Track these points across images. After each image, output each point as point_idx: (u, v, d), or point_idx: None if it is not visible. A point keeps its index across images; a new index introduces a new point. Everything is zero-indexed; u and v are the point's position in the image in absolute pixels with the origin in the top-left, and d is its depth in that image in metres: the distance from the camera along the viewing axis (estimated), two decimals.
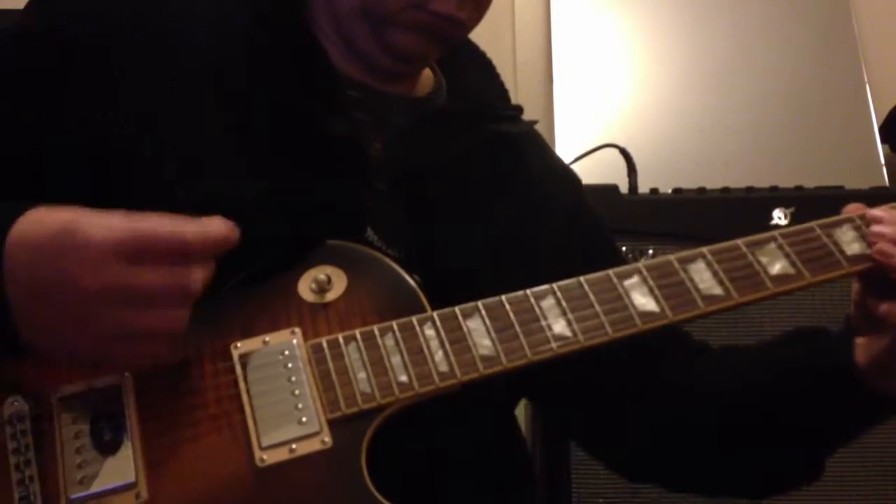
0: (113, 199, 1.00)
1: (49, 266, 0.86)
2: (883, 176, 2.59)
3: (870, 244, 1.02)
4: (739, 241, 1.03)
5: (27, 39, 1.10)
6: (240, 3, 1.16)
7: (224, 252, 0.90)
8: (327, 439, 0.93)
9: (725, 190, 2.05)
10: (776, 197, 1.98)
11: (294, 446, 0.92)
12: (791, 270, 1.01)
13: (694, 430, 1.19)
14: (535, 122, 1.36)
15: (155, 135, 1.04)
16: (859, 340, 1.06)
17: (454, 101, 1.28)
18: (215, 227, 0.89)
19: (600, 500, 1.89)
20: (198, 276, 0.89)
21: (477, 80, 1.32)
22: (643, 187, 2.13)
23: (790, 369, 1.13)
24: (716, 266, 1.01)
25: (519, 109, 1.32)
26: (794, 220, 1.91)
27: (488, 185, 1.22)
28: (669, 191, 2.07)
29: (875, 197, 1.65)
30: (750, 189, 2.04)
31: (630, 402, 1.22)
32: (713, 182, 2.09)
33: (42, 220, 0.88)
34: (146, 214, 0.87)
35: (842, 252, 1.02)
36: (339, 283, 1.01)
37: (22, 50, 1.09)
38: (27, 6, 1.15)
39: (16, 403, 0.93)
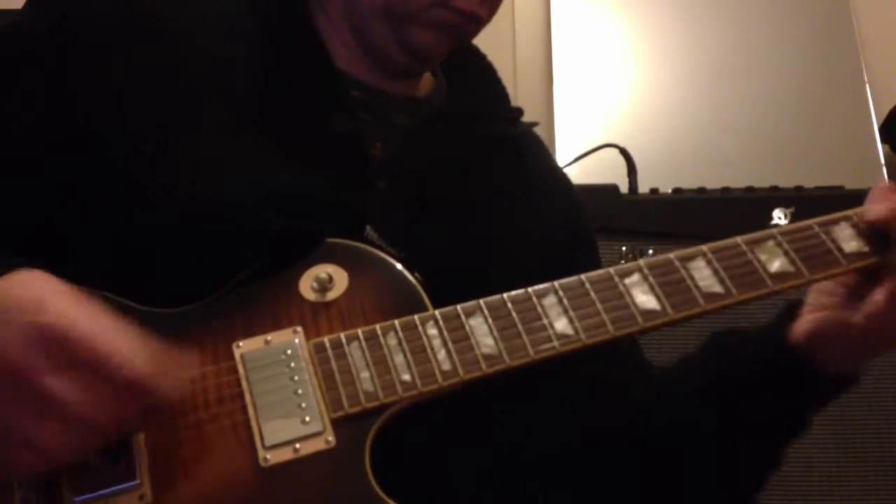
0: (114, 199, 1.01)
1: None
2: (883, 176, 2.59)
3: (868, 241, 1.02)
4: (739, 239, 1.03)
5: (29, 37, 1.10)
6: (243, 2, 1.16)
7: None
8: (331, 438, 0.92)
9: (725, 190, 2.06)
10: (776, 197, 1.98)
11: (298, 446, 0.92)
12: (790, 268, 1.01)
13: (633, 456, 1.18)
14: (535, 123, 1.36)
15: (156, 134, 1.04)
16: (808, 317, 1.04)
17: (455, 103, 1.28)
18: (164, 386, 0.84)
19: None
20: (109, 411, 0.82)
21: (477, 81, 1.33)
22: (643, 187, 2.13)
23: (722, 370, 1.12)
24: (716, 264, 1.01)
25: (519, 112, 1.32)
26: (794, 220, 1.90)
27: (488, 186, 1.22)
28: (669, 191, 2.08)
29: None
30: (750, 189, 2.04)
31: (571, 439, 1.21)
32: (713, 182, 2.10)
33: (28, 284, 0.86)
34: (116, 319, 0.84)
35: (840, 249, 1.02)
36: (340, 281, 1.01)
37: (24, 48, 1.09)
38: (27, 4, 1.15)
39: None
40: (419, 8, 1.13)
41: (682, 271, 1.01)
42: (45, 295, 0.84)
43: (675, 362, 1.22)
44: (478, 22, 1.17)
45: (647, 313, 0.99)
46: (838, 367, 1.04)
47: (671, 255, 1.02)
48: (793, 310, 1.06)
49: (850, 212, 1.05)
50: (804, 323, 1.04)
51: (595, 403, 1.21)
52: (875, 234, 1.02)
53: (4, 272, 0.88)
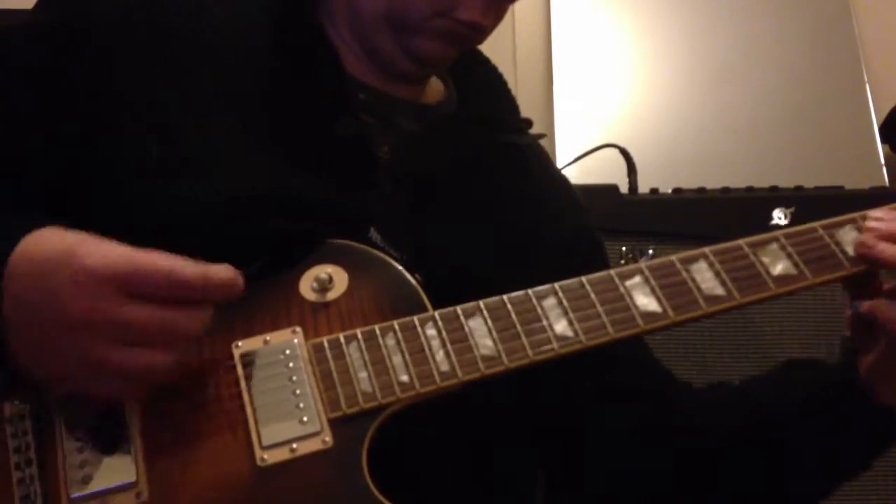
0: (119, 197, 1.01)
1: (42, 286, 0.86)
2: (883, 176, 2.59)
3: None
4: (741, 242, 1.03)
5: (37, 36, 1.10)
6: (250, 4, 1.16)
7: (225, 299, 0.90)
8: (328, 439, 0.92)
9: (725, 190, 2.05)
10: (776, 197, 1.98)
11: (295, 446, 0.92)
12: (793, 271, 1.01)
13: (687, 475, 1.17)
14: (543, 135, 1.37)
15: (161, 133, 1.04)
16: (861, 358, 1.05)
17: (464, 111, 1.28)
18: (219, 272, 0.88)
19: None
20: (191, 320, 0.88)
21: (487, 92, 1.33)
22: (643, 187, 2.13)
23: (793, 399, 1.12)
24: (718, 266, 1.01)
25: (527, 123, 1.32)
26: (794, 220, 1.91)
27: (493, 192, 1.22)
28: (669, 191, 2.07)
29: (875, 197, 1.65)
30: (750, 189, 2.04)
31: (608, 449, 1.21)
32: (713, 182, 2.09)
33: (46, 240, 0.89)
34: (149, 251, 0.87)
35: (843, 253, 1.02)
36: (340, 282, 1.01)
37: (32, 46, 1.09)
38: (36, 4, 1.15)
39: (17, 402, 0.93)
40: (420, 18, 1.13)
41: (684, 273, 1.00)
42: (72, 245, 0.86)
43: (741, 382, 1.22)
44: (482, 31, 1.17)
45: (648, 315, 0.98)
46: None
47: (673, 258, 1.02)
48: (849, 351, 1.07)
49: (855, 214, 1.04)
50: (864, 363, 1.04)
51: (619, 410, 1.20)
52: None
53: (25, 233, 0.90)
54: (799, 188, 2.03)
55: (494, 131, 1.26)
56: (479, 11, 1.14)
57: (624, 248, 1.96)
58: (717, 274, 1.00)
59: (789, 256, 1.01)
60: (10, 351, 0.88)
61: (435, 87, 1.29)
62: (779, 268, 1.01)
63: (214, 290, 0.88)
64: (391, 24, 1.15)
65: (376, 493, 0.91)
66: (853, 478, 1.13)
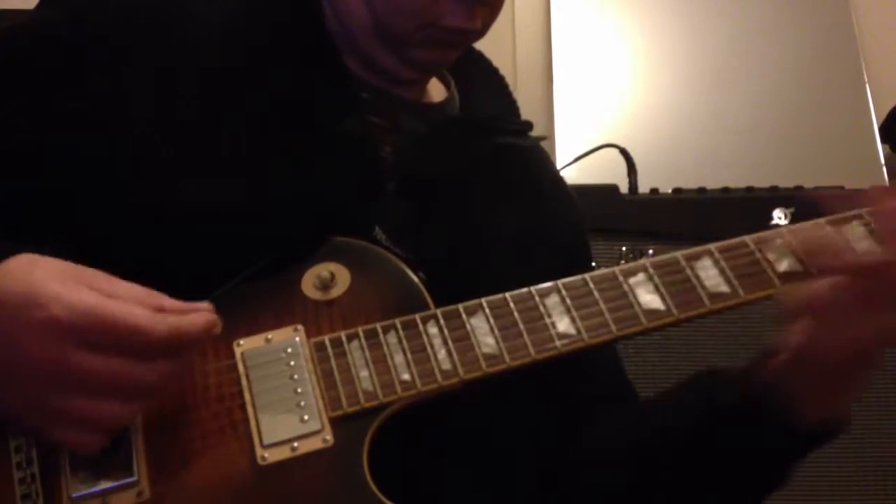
0: (123, 198, 1.01)
1: (3, 326, 0.84)
2: (883, 176, 2.59)
3: (879, 241, 1.01)
4: (747, 238, 1.02)
5: (43, 35, 1.09)
6: (255, 4, 1.16)
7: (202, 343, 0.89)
8: (329, 437, 0.92)
9: (725, 190, 2.06)
10: (776, 197, 1.98)
11: (296, 444, 0.92)
12: (799, 268, 1.00)
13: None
14: (544, 138, 1.37)
15: (166, 134, 1.04)
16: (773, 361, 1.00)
17: (466, 112, 1.28)
18: (192, 321, 0.86)
19: None
20: (152, 373, 0.85)
21: (489, 94, 1.33)
22: (643, 187, 2.13)
23: (700, 416, 1.06)
24: (722, 263, 1.00)
25: (528, 125, 1.33)
26: (794, 219, 1.91)
27: (495, 193, 1.22)
28: (669, 191, 2.07)
29: None
30: (750, 189, 2.04)
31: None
32: (713, 182, 2.09)
33: (11, 277, 0.86)
34: (122, 291, 0.85)
35: (851, 249, 1.01)
36: (342, 280, 1.00)
37: (38, 45, 1.09)
38: (41, 2, 1.15)
39: None
40: (408, 31, 1.13)
41: (688, 271, 1.00)
42: (36, 287, 0.84)
43: (656, 398, 1.20)
44: (474, 33, 1.17)
45: (652, 313, 0.98)
46: (814, 410, 0.98)
47: (677, 254, 1.01)
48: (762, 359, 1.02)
49: (861, 210, 1.04)
50: (772, 364, 0.99)
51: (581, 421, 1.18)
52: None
53: None
54: (799, 188, 2.03)
55: (497, 133, 1.26)
56: (464, 17, 1.13)
57: (624, 248, 1.96)
58: (722, 271, 1.00)
59: (794, 253, 1.01)
60: None
61: (436, 87, 1.29)
62: (784, 264, 1.00)
63: (182, 343, 0.86)
64: (381, 38, 1.15)
65: (377, 491, 0.90)
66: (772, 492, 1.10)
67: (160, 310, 0.86)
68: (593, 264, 1.42)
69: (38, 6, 1.15)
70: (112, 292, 0.85)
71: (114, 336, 0.83)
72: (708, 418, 1.04)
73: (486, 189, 1.21)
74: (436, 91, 1.28)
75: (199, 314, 0.87)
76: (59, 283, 0.84)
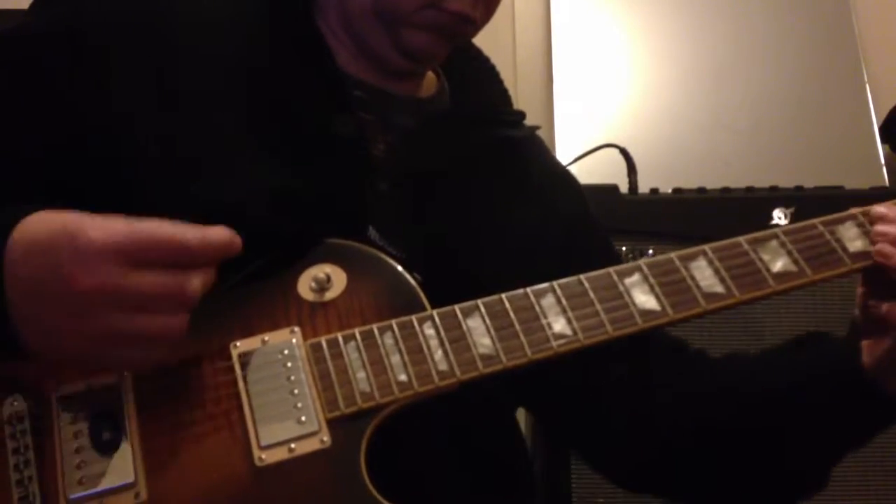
0: (118, 200, 1.00)
1: (46, 265, 0.85)
2: (883, 176, 2.59)
3: (872, 242, 1.02)
4: (741, 239, 1.03)
5: (35, 38, 1.09)
6: (248, 4, 1.16)
7: (225, 258, 0.90)
8: (326, 438, 0.92)
9: (725, 190, 2.05)
10: (776, 197, 1.98)
11: (293, 445, 0.92)
12: (793, 268, 1.00)
13: (701, 436, 1.18)
14: (538, 127, 1.36)
15: (160, 134, 1.04)
16: (865, 342, 1.05)
17: (458, 105, 1.28)
18: (217, 233, 0.88)
19: (600, 500, 1.89)
20: (196, 282, 0.88)
21: (480, 84, 1.33)
22: (643, 187, 2.13)
23: (797, 374, 1.12)
24: (717, 263, 1.00)
25: (521, 115, 1.32)
26: (794, 220, 1.90)
27: (490, 188, 1.22)
28: (669, 191, 2.07)
29: (875, 197, 1.64)
30: (750, 189, 2.04)
31: (629, 409, 1.21)
32: (713, 182, 2.09)
33: (44, 221, 0.88)
34: (148, 219, 0.87)
35: (844, 249, 1.02)
36: (338, 281, 1.01)
37: (29, 49, 1.09)
38: (32, 5, 1.14)
39: (15, 403, 0.93)
40: (409, 10, 1.13)
41: (683, 271, 1.00)
42: (72, 221, 0.86)
43: (751, 358, 1.24)
44: (472, 23, 1.17)
45: (647, 313, 0.98)
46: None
47: (672, 255, 1.02)
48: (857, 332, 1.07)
49: (855, 210, 1.04)
50: (869, 351, 1.05)
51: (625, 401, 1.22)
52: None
53: (20, 217, 0.89)
54: (799, 188, 2.03)
55: (490, 126, 1.26)
56: (468, 3, 1.13)
57: (624, 248, 1.96)
58: (717, 271, 1.00)
59: (789, 253, 1.01)
60: (21, 338, 0.88)
61: (428, 80, 1.28)
62: (779, 265, 1.01)
63: (214, 252, 0.89)
64: (380, 18, 1.15)
65: (374, 492, 0.91)
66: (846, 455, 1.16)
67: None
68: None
69: (33, 8, 1.15)
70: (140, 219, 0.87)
71: (155, 250, 0.85)
72: (821, 377, 1.10)
73: (480, 184, 1.21)
74: (427, 83, 1.28)
75: (219, 228, 0.89)
76: (91, 217, 0.86)
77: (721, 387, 1.19)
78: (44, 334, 0.88)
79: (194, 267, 0.88)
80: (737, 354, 1.27)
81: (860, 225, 1.03)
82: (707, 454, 1.18)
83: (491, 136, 1.25)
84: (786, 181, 2.06)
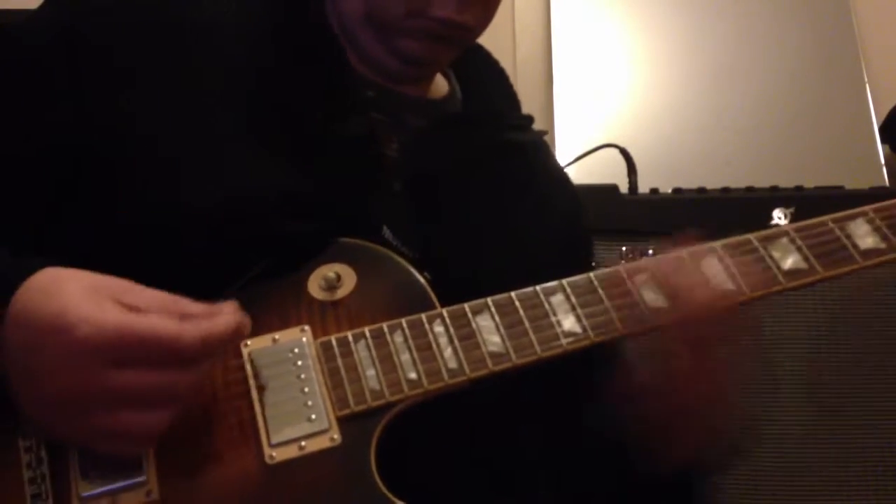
0: (126, 200, 1.01)
1: (36, 354, 0.84)
2: (883, 176, 2.59)
3: (883, 238, 1.02)
4: (751, 236, 1.03)
5: (40, 38, 1.09)
6: (255, 4, 1.16)
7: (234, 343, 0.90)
8: (336, 436, 0.93)
9: (725, 190, 2.06)
10: (776, 197, 1.99)
11: (303, 444, 0.92)
12: (804, 265, 1.01)
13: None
14: (545, 132, 1.37)
15: (168, 135, 1.04)
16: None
17: (468, 108, 1.28)
18: (223, 323, 0.86)
19: None
20: (187, 381, 0.86)
21: (490, 88, 1.33)
22: (643, 187, 2.13)
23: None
24: (728, 261, 1.01)
25: (530, 119, 1.33)
26: (794, 220, 1.90)
27: (499, 189, 1.23)
28: (669, 191, 2.08)
29: (875, 197, 1.65)
30: (750, 189, 2.05)
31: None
32: (713, 182, 2.10)
33: (44, 293, 0.86)
34: (148, 302, 0.86)
35: (855, 246, 1.02)
36: (348, 280, 1.01)
37: (35, 49, 1.08)
38: (42, 5, 1.14)
39: None
40: (396, 18, 1.13)
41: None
42: (64, 308, 0.83)
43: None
44: (462, 29, 1.16)
45: (657, 311, 0.98)
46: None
47: (683, 252, 1.02)
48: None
49: (866, 208, 1.04)
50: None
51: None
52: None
53: (19, 281, 0.88)
54: (799, 188, 2.03)
55: (499, 129, 1.26)
56: (452, 8, 1.12)
57: (624, 248, 1.96)
58: (727, 268, 1.00)
59: (799, 250, 1.01)
60: (18, 402, 0.87)
61: (439, 82, 1.29)
62: (789, 262, 1.01)
63: (215, 346, 0.87)
64: (372, 25, 1.15)
65: (384, 490, 0.91)
66: None
67: (187, 316, 0.86)
68: (594, 264, 1.43)
69: (39, 8, 1.14)
70: (139, 304, 0.85)
71: (145, 351, 0.83)
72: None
73: (489, 186, 1.21)
74: (438, 86, 1.28)
75: (227, 316, 0.87)
76: (87, 301, 0.84)
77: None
78: (38, 413, 0.87)
79: (188, 363, 0.86)
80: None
81: (870, 221, 1.03)
82: None
83: (500, 139, 1.25)
84: (786, 181, 2.07)
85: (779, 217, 1.93)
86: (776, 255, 1.01)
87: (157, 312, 0.85)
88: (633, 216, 2.01)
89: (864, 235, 1.02)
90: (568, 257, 1.23)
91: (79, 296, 0.84)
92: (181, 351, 0.84)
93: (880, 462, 1.93)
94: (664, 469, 1.02)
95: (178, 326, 0.84)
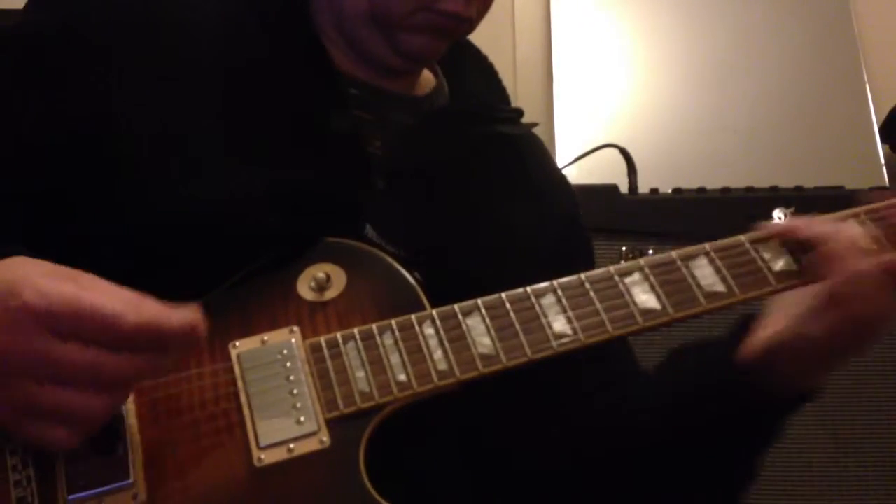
0: (116, 198, 1.00)
1: None
2: (883, 176, 2.59)
3: (874, 240, 1.01)
4: (742, 237, 1.02)
5: (32, 37, 1.09)
6: (243, 3, 1.16)
7: (184, 343, 0.86)
8: (325, 439, 0.92)
9: (725, 190, 2.06)
10: (776, 197, 1.98)
11: (292, 446, 0.92)
12: (795, 266, 1.00)
13: (601, 468, 1.15)
14: (536, 124, 1.36)
15: (157, 134, 1.04)
16: (765, 332, 1.01)
17: (455, 102, 1.27)
18: (173, 317, 0.83)
19: None
20: (125, 365, 0.83)
21: (478, 82, 1.33)
22: (643, 187, 2.13)
23: (678, 387, 1.10)
24: (718, 262, 1.00)
25: (519, 112, 1.32)
26: None
27: (488, 185, 1.22)
28: (669, 191, 2.07)
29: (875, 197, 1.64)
30: (750, 189, 2.04)
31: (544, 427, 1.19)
32: (713, 182, 2.09)
33: (2, 271, 0.85)
34: (104, 287, 0.83)
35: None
36: (338, 281, 1.00)
37: (27, 48, 1.08)
38: (30, 3, 1.14)
39: None
40: (403, 13, 1.12)
41: (684, 270, 1.00)
42: (17, 278, 0.83)
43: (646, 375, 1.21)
44: (467, 22, 1.17)
45: (647, 312, 0.98)
46: (795, 382, 1.01)
47: (673, 254, 1.01)
48: (747, 324, 1.04)
49: (858, 209, 1.04)
50: (761, 338, 1.01)
51: (587, 411, 1.19)
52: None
53: None
54: (799, 188, 2.03)
55: (487, 123, 1.26)
56: (461, 2, 1.13)
57: (624, 248, 1.96)
58: (718, 270, 1.00)
59: (791, 252, 1.01)
60: None
61: (425, 77, 1.28)
62: (780, 263, 1.00)
63: (161, 339, 0.84)
64: (376, 22, 1.14)
65: (374, 492, 0.90)
66: (744, 483, 1.11)
67: (141, 309, 0.83)
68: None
69: (29, 7, 1.14)
70: (93, 287, 0.83)
71: (87, 323, 0.81)
72: (694, 396, 1.07)
73: (478, 182, 1.21)
74: (424, 81, 1.28)
75: (179, 313, 0.84)
76: (41, 276, 0.83)
77: (608, 419, 1.17)
78: None
79: (133, 349, 0.83)
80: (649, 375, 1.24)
81: (862, 223, 1.02)
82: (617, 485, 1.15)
83: (488, 132, 1.24)
84: (786, 181, 2.06)
85: (779, 217, 1.93)
86: (767, 256, 1.01)
87: (110, 295, 0.83)
88: (633, 216, 2.01)
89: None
90: (567, 253, 1.22)
91: (36, 272, 0.84)
92: (120, 330, 0.81)
93: (880, 462, 1.93)
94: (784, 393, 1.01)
95: (123, 307, 0.82)
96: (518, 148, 1.30)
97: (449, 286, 1.00)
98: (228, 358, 0.96)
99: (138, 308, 0.82)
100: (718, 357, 1.05)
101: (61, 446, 0.86)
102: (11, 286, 0.82)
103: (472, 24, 1.18)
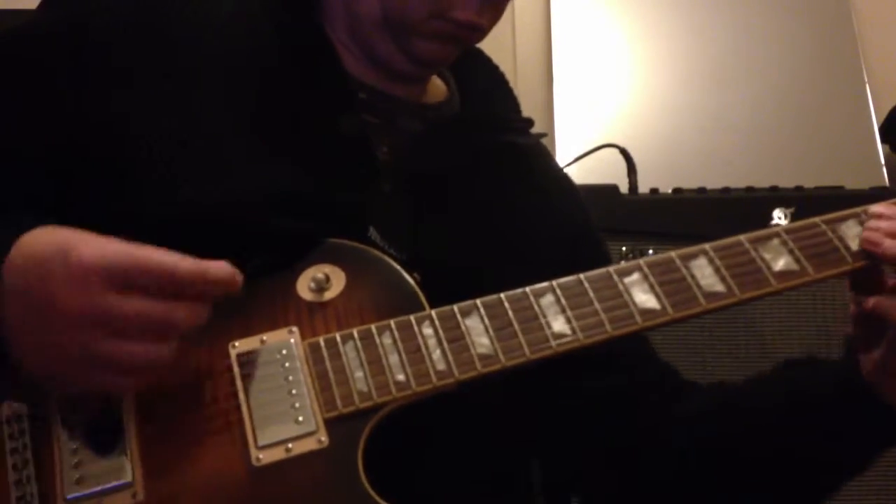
0: (121, 198, 1.01)
1: (37, 279, 0.86)
2: (883, 176, 2.59)
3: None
4: (742, 237, 1.02)
5: (41, 38, 1.10)
6: (253, 4, 1.16)
7: (224, 295, 0.90)
8: (324, 438, 0.92)
9: (725, 190, 2.05)
10: (776, 197, 1.98)
11: (290, 445, 0.92)
12: (795, 267, 1.00)
13: (700, 458, 1.15)
14: (544, 135, 1.37)
15: (164, 135, 1.04)
16: (861, 356, 1.03)
17: (465, 110, 1.28)
18: (216, 268, 0.88)
19: None
20: (183, 312, 0.88)
21: (489, 91, 1.33)
22: (643, 187, 2.13)
23: (796, 393, 1.10)
24: (718, 262, 1.00)
25: (529, 122, 1.32)
26: (794, 220, 1.89)
27: (493, 192, 1.22)
28: (669, 191, 2.07)
29: (875, 197, 1.64)
30: (750, 189, 2.04)
31: (610, 451, 1.20)
32: (713, 182, 2.09)
33: (44, 235, 0.89)
34: (149, 246, 0.87)
35: (846, 247, 1.01)
36: (337, 282, 1.00)
37: (35, 48, 1.09)
38: (40, 4, 1.15)
39: (14, 403, 0.93)
40: (417, 20, 1.13)
41: (683, 270, 1.00)
42: (68, 240, 0.86)
43: (742, 381, 1.21)
44: (480, 30, 1.17)
45: (647, 312, 0.98)
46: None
47: (672, 254, 1.01)
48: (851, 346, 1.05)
49: (858, 209, 1.03)
50: (868, 360, 1.02)
51: (615, 411, 1.20)
52: None
53: (20, 233, 0.90)
54: (799, 188, 2.03)
55: (496, 132, 1.26)
56: (474, 11, 1.13)
57: (624, 248, 1.95)
58: (717, 270, 1.00)
59: (791, 252, 1.01)
60: (11, 352, 0.88)
61: (436, 86, 1.29)
62: (780, 263, 1.00)
63: (212, 287, 0.88)
64: (389, 27, 1.15)
65: (372, 492, 0.90)
66: (851, 479, 1.12)
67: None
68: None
69: (40, 7, 1.15)
70: (137, 244, 0.87)
71: (144, 276, 0.85)
72: (813, 399, 1.08)
73: (484, 189, 1.21)
74: (435, 90, 1.28)
75: (220, 263, 0.88)
76: (89, 237, 0.87)
77: (721, 405, 1.17)
78: (30, 351, 0.88)
79: (185, 298, 0.88)
80: (724, 382, 1.25)
81: (862, 223, 1.02)
82: (705, 478, 1.15)
83: (496, 140, 1.25)
84: (786, 181, 2.06)
85: (779, 217, 1.92)
86: (767, 256, 1.01)
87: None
88: (633, 216, 2.01)
89: (856, 237, 1.01)
90: (576, 261, 1.22)
91: (79, 233, 0.88)
92: (179, 278, 0.86)
93: (880, 462, 1.92)
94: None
95: (176, 258, 0.86)
96: (525, 157, 1.30)
97: (449, 288, 1.00)
98: (227, 357, 0.96)
99: (184, 258, 0.87)
100: (839, 368, 1.07)
101: (125, 392, 0.92)
102: (66, 245, 0.86)
103: (483, 32, 1.19)
